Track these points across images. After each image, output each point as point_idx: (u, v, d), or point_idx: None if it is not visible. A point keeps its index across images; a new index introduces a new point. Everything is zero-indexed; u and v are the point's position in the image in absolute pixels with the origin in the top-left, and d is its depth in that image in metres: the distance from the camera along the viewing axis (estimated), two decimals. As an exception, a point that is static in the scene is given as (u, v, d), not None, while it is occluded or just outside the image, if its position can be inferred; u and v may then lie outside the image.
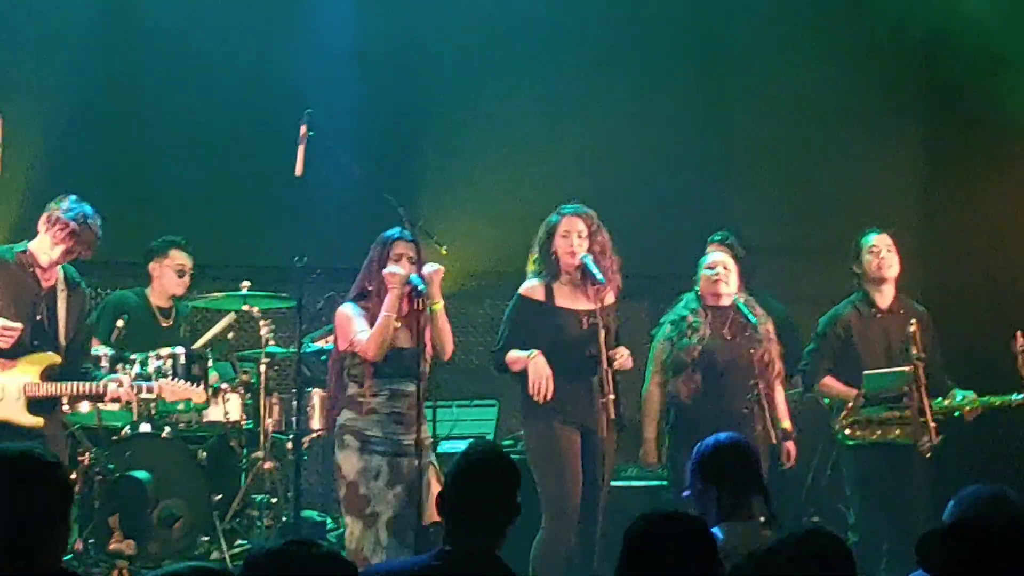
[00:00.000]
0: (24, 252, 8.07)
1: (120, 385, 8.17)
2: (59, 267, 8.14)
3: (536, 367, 8.21)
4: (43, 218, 8.04)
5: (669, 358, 8.75)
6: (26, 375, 7.99)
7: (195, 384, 9.13)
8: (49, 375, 8.05)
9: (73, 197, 8.11)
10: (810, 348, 9.32)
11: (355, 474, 7.87)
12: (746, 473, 5.98)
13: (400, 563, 5.72)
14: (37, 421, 7.96)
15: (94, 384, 8.16)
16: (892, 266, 9.25)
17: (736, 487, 5.88)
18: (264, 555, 3.37)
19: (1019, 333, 8.82)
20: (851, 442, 9.04)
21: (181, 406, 9.28)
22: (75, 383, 8.08)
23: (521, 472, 5.14)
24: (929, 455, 8.78)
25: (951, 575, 3.95)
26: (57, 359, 8.08)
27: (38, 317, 8.05)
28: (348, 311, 8.07)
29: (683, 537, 4.13)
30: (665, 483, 9.22)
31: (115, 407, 8.97)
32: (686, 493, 6.04)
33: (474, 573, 4.83)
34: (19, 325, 7.90)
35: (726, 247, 9.59)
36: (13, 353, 7.97)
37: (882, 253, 9.23)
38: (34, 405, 7.99)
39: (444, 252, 9.03)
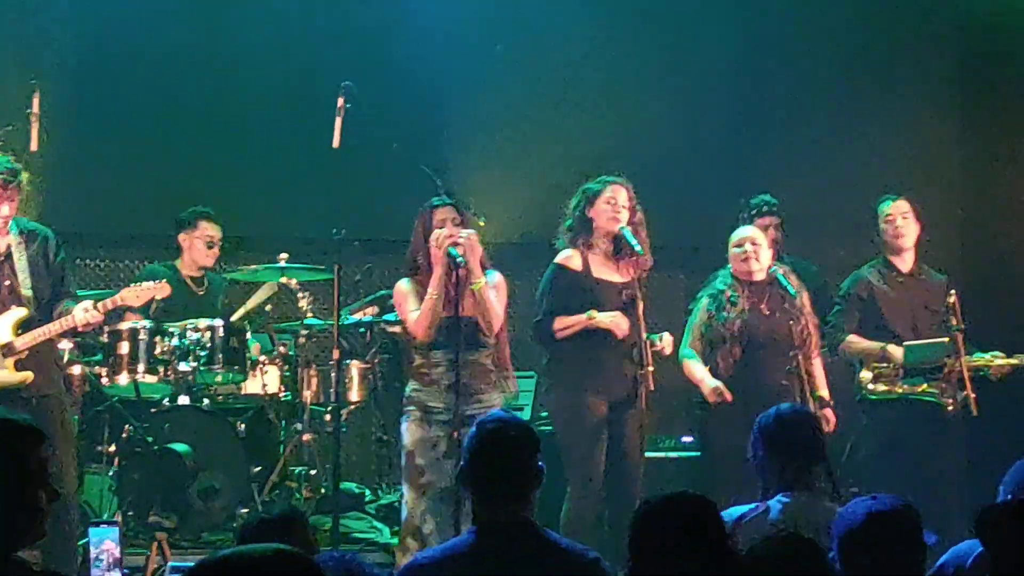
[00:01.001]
0: None
1: (86, 310, 7.98)
2: (8, 225, 8.07)
3: (602, 317, 8.23)
4: None
5: (708, 331, 8.65)
6: (1, 335, 7.97)
7: (233, 363, 9.34)
8: (25, 328, 8.01)
9: None
10: (835, 310, 9.26)
11: (413, 444, 7.87)
12: (808, 444, 5.92)
13: (439, 550, 5.47)
14: (26, 375, 7.93)
15: (63, 320, 8.02)
16: (907, 234, 9.16)
17: (798, 457, 5.84)
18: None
19: None
20: (873, 396, 9.02)
21: (219, 378, 9.48)
22: (46, 326, 8.00)
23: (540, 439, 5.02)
24: (951, 408, 8.78)
25: (1012, 552, 3.90)
26: (23, 312, 8.01)
27: (6, 282, 8.03)
28: (403, 287, 8.07)
29: (686, 518, 4.09)
30: (699, 454, 9.23)
31: (153, 379, 9.19)
32: (750, 461, 6.02)
33: (512, 542, 4.75)
34: None
35: (770, 216, 9.59)
36: None
37: (896, 221, 9.14)
38: (20, 363, 7.97)
39: (482, 224, 8.91)
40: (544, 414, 9.62)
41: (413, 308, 7.91)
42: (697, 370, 8.58)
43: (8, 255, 8.05)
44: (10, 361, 7.94)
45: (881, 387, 9.04)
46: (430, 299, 7.79)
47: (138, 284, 8.51)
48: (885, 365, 9.03)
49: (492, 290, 8.02)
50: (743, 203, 9.81)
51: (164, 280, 8.69)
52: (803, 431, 5.96)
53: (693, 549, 4.01)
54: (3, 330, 7.96)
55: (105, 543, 7.19)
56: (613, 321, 8.23)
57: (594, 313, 8.22)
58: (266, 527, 4.73)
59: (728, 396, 8.40)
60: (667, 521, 4.10)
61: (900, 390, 8.97)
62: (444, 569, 4.78)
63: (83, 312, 7.95)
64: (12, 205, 7.94)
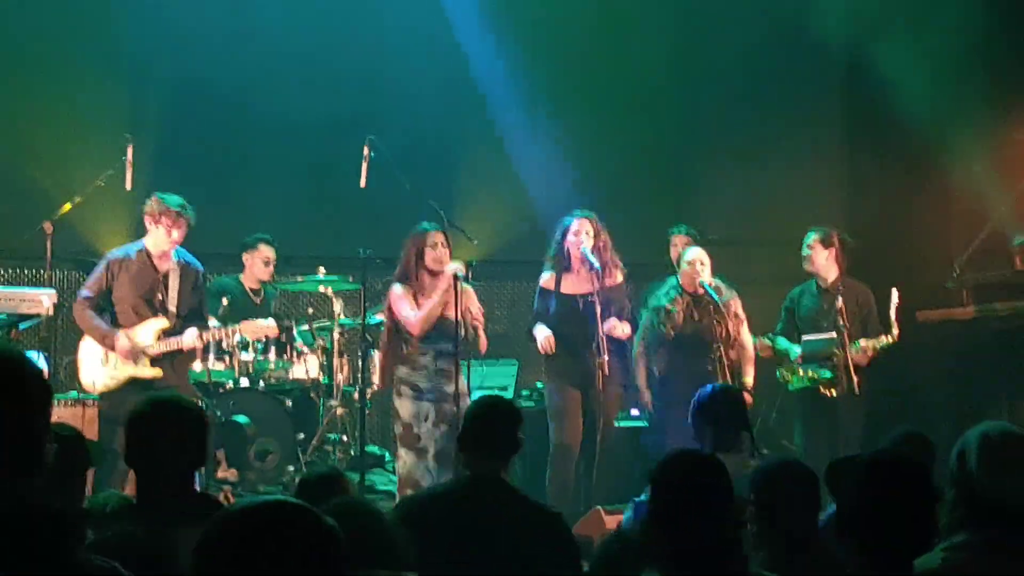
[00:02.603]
0: (141, 250, 8.63)
1: (195, 337, 8.55)
2: (172, 252, 8.59)
3: (539, 334, 8.95)
4: (148, 218, 8.54)
5: (650, 337, 9.29)
6: (146, 338, 8.53)
7: (282, 353, 9.95)
8: (166, 336, 8.54)
9: (159, 194, 8.59)
10: (780, 319, 9.91)
11: (409, 417, 8.38)
12: (733, 414, 6.24)
13: (432, 488, 6.00)
14: (156, 372, 8.50)
15: (175, 339, 8.52)
16: (809, 262, 9.71)
17: (726, 426, 6.16)
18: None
19: (894, 289, 9.33)
20: (790, 387, 9.65)
21: (272, 366, 10.00)
22: (175, 338, 8.52)
23: (524, 415, 5.35)
24: (831, 394, 9.33)
25: (852, 502, 3.79)
26: (166, 323, 8.55)
27: (159, 296, 8.59)
28: (398, 291, 8.51)
29: (705, 471, 3.98)
30: (645, 424, 9.68)
31: (221, 367, 9.81)
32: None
33: (487, 491, 5.09)
34: (139, 345, 8.43)
35: (691, 236, 10.18)
36: (136, 322, 8.55)
37: (803, 251, 9.75)
38: (155, 361, 8.52)
39: (475, 243, 9.75)
40: (525, 392, 10.33)
41: (409, 310, 8.37)
42: (639, 376, 9.26)
43: (166, 276, 8.62)
44: (147, 359, 8.49)
45: (792, 379, 9.58)
46: (434, 306, 8.28)
47: (254, 321, 9.01)
48: (793, 367, 9.59)
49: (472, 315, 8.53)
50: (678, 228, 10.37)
51: (275, 326, 9.17)
52: (730, 405, 6.28)
53: (705, 501, 3.86)
54: (149, 334, 8.54)
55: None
56: (540, 343, 8.89)
57: (539, 327, 8.96)
58: (323, 480, 4.88)
59: (646, 402, 9.18)
60: (686, 476, 3.94)
61: (803, 382, 9.49)
62: (434, 504, 5.13)
63: (191, 338, 8.57)
64: (181, 232, 8.52)
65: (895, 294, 9.36)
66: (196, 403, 4.53)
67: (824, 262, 9.76)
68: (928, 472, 3.79)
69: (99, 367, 8.63)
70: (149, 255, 8.68)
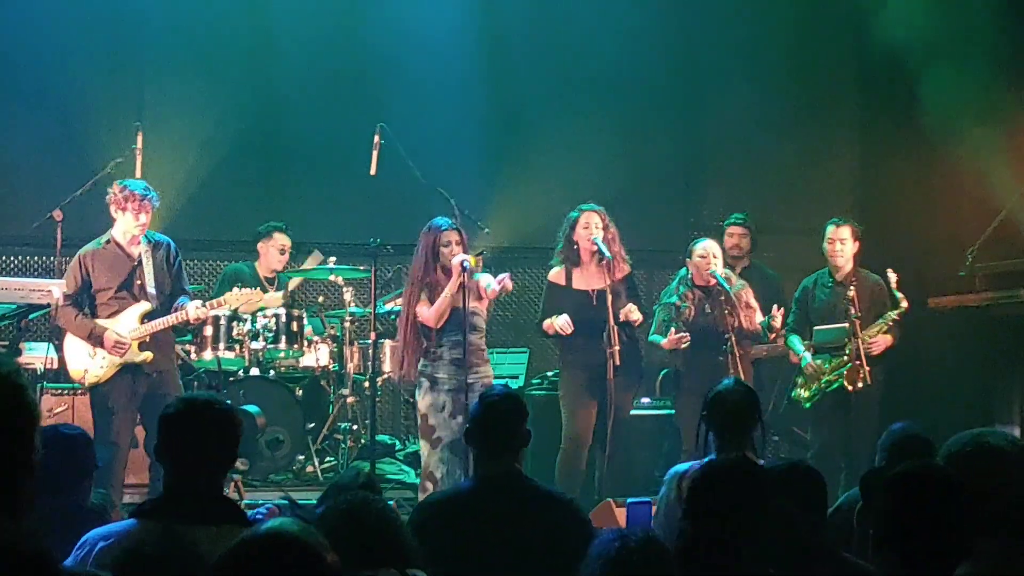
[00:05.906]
0: (110, 240, 8.44)
1: (198, 308, 8.35)
2: (142, 236, 8.41)
3: (555, 321, 8.77)
4: (113, 207, 8.35)
5: (664, 333, 9.13)
6: (130, 324, 8.34)
7: (293, 342, 9.87)
8: (149, 319, 8.36)
9: (119, 181, 8.44)
10: (791, 310, 9.60)
11: (426, 408, 8.32)
12: (741, 413, 5.82)
13: (446, 492, 5.90)
14: (147, 355, 8.32)
15: (179, 314, 8.34)
16: (841, 255, 9.46)
17: (727, 427, 5.79)
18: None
19: (890, 270, 9.18)
20: (807, 404, 9.39)
21: (282, 354, 9.93)
22: (164, 317, 8.36)
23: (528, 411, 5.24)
24: (851, 388, 9.08)
25: (885, 514, 3.77)
26: (148, 306, 8.37)
27: (138, 282, 8.40)
28: (413, 297, 8.47)
29: (739, 479, 3.95)
30: (672, 412, 9.58)
31: (231, 355, 9.71)
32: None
33: (504, 488, 5.06)
34: (127, 339, 8.28)
35: (746, 227, 10.26)
36: (118, 310, 8.38)
37: (836, 245, 9.49)
38: (143, 346, 8.34)
39: (488, 232, 9.79)
40: (536, 381, 10.16)
41: (424, 308, 8.33)
42: (663, 342, 9.04)
43: (140, 260, 8.42)
44: (135, 343, 8.30)
45: (805, 394, 9.34)
46: (445, 299, 8.19)
47: (240, 290, 8.71)
48: (804, 376, 9.37)
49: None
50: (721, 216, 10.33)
51: (258, 288, 9.06)
52: (737, 404, 5.80)
53: (741, 509, 3.83)
54: (133, 319, 8.35)
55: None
56: (559, 325, 8.73)
57: (550, 320, 8.83)
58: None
59: (683, 340, 8.89)
60: (722, 483, 3.92)
61: (817, 386, 9.25)
62: (450, 507, 5.10)
63: (195, 309, 8.35)
64: (148, 216, 8.35)
65: (891, 273, 9.19)
66: (228, 404, 4.46)
67: (850, 255, 9.57)
68: (960, 482, 3.73)
69: (87, 359, 8.42)
70: (119, 244, 8.49)
